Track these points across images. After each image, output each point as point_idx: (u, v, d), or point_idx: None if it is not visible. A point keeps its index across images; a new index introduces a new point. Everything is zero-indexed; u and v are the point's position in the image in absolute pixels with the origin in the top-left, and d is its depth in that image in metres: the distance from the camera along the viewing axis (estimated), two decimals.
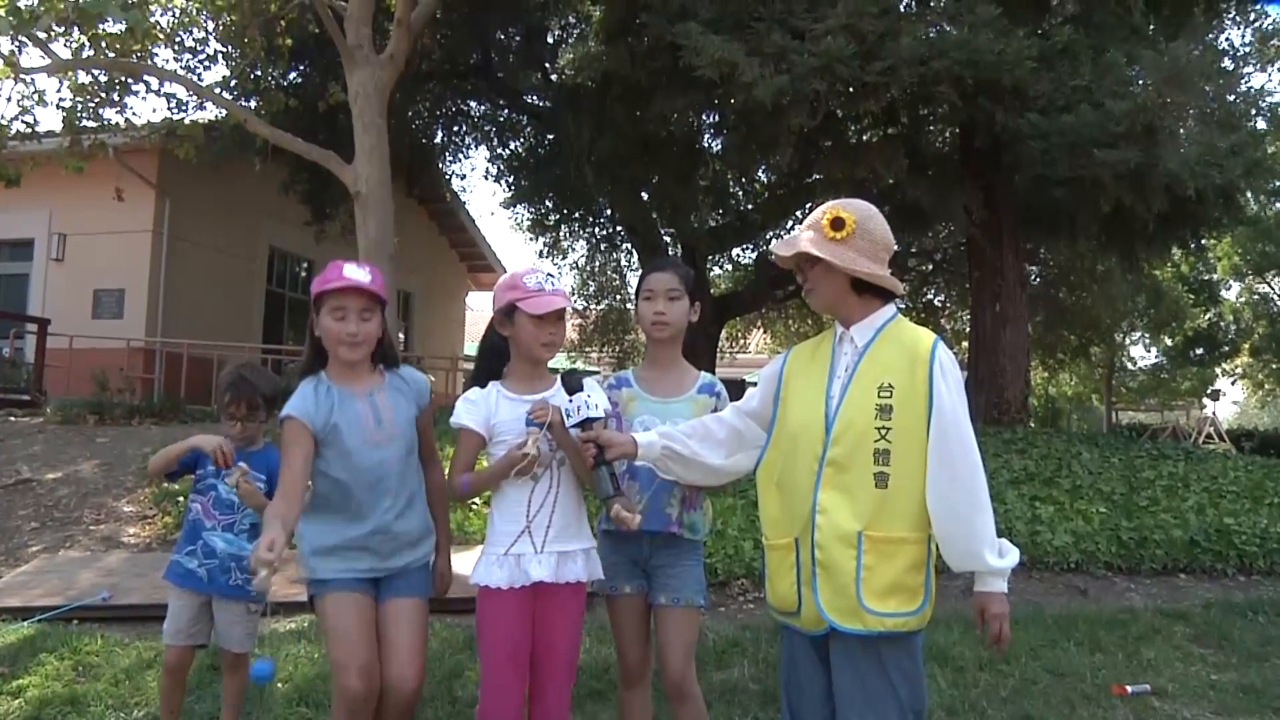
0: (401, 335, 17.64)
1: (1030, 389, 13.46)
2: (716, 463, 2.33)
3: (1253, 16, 13.05)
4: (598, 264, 17.29)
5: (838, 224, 2.09)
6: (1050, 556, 5.60)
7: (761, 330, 20.38)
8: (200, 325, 12.60)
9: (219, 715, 3.06)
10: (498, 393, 2.42)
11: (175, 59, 11.11)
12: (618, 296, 17.51)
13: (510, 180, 14.90)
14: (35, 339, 11.80)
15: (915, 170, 10.30)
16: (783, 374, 2.24)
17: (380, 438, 2.42)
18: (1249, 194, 10.52)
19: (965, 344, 13.23)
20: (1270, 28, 14.38)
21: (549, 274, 2.45)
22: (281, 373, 9.41)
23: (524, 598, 2.33)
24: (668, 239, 14.00)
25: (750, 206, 14.25)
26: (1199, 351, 25.93)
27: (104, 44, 9.28)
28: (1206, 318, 25.74)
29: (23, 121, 9.70)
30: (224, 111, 9.99)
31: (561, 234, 16.37)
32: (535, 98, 13.67)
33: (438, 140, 14.78)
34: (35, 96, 9.92)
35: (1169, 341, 25.50)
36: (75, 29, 9.06)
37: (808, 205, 11.89)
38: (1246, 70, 12.66)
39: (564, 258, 17.30)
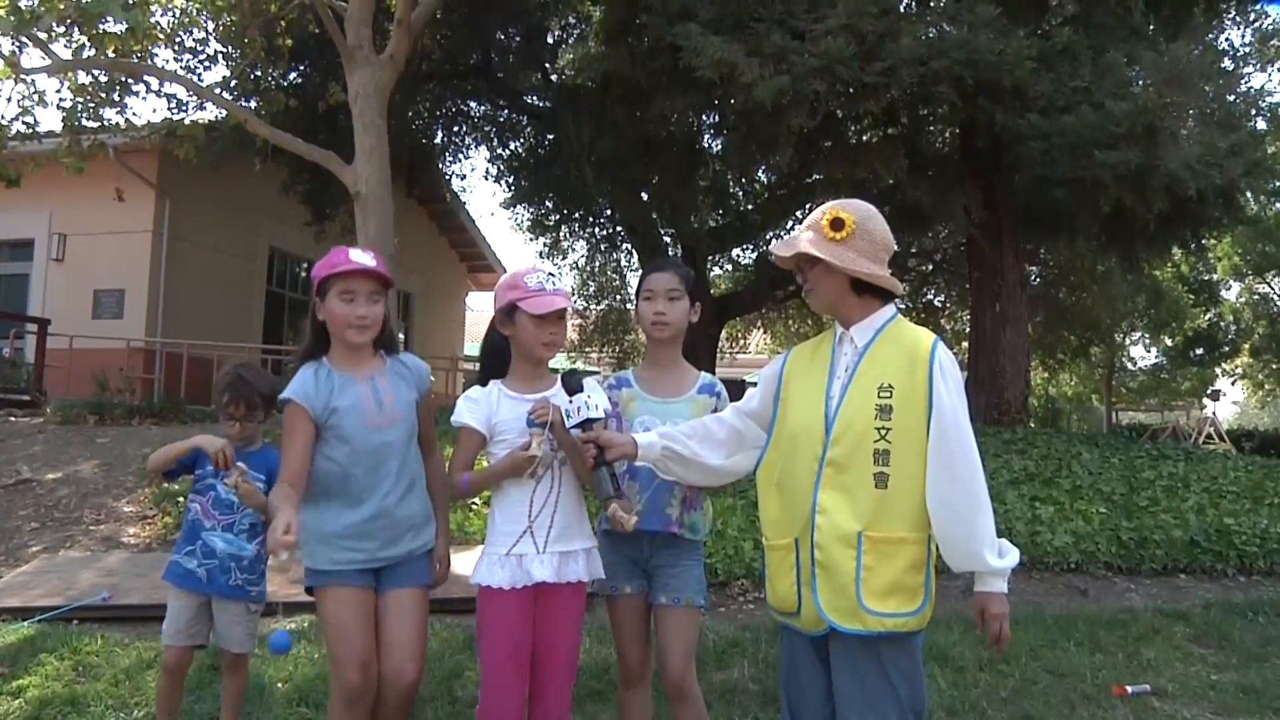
0: (401, 335, 17.63)
1: (1030, 389, 13.47)
2: (716, 463, 2.33)
3: (1253, 17, 13.07)
4: (598, 264, 17.30)
5: (837, 224, 2.09)
6: (1050, 557, 5.60)
7: (761, 330, 20.39)
8: (200, 325, 12.61)
9: (219, 715, 3.06)
10: (499, 392, 2.43)
11: (175, 59, 11.13)
12: (618, 297, 17.52)
13: (510, 180, 14.91)
14: (35, 339, 11.80)
15: (915, 170, 10.31)
16: (783, 374, 2.25)
17: (381, 421, 2.42)
18: (1249, 194, 10.53)
19: (965, 344, 13.24)
20: (1270, 28, 14.41)
21: (550, 273, 2.45)
22: (281, 373, 9.41)
23: (525, 598, 2.33)
24: (668, 239, 14.01)
25: (750, 207, 14.25)
26: (1199, 352, 25.93)
27: (104, 44, 9.28)
28: (1206, 318, 25.75)
29: (23, 122, 9.72)
30: (224, 112, 9.99)
31: (561, 234, 16.38)
32: (535, 98, 13.67)
33: (438, 140, 14.79)
34: (35, 97, 9.93)
35: (1169, 342, 25.51)
36: (76, 29, 9.07)
37: (808, 206, 11.90)
38: (1246, 70, 12.68)
39: (564, 258, 17.34)
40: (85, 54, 9.53)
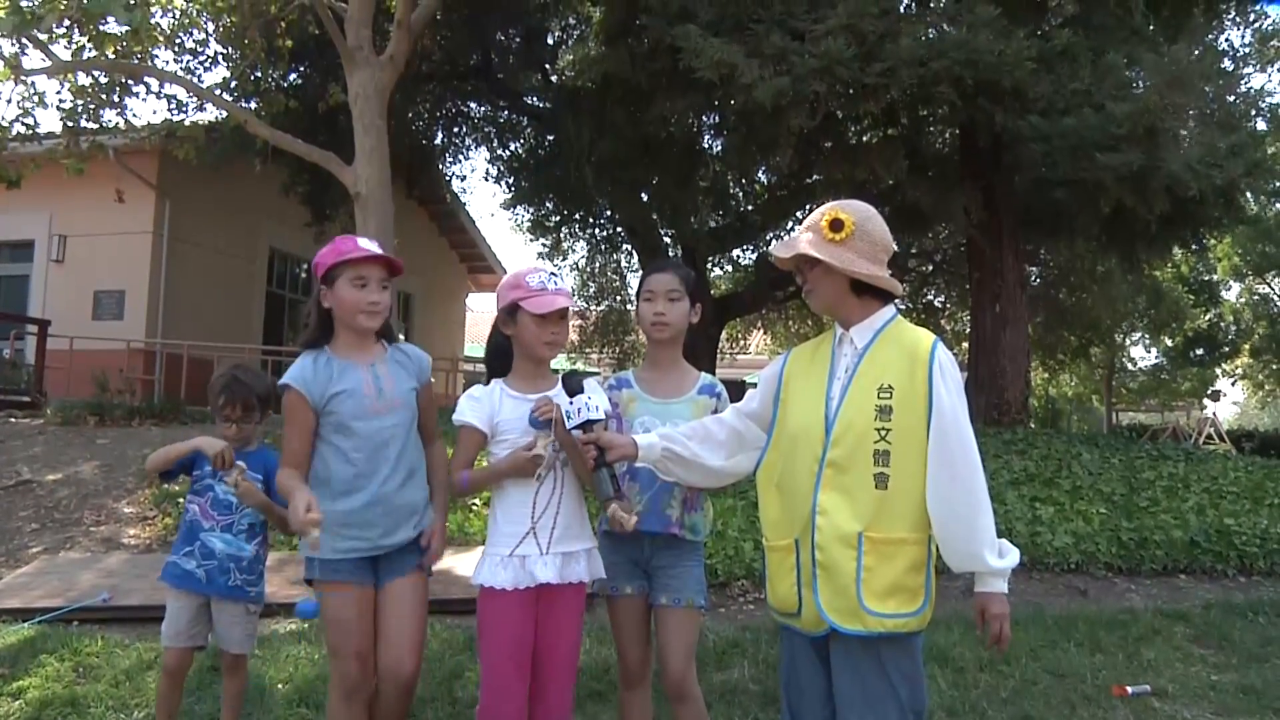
0: (402, 336, 17.56)
1: (1030, 390, 13.46)
2: (717, 464, 2.33)
3: (1252, 17, 13.08)
4: (598, 265, 17.31)
5: (836, 225, 2.09)
6: (1050, 557, 5.60)
7: (761, 331, 20.40)
8: (200, 326, 12.62)
9: (219, 716, 3.06)
10: (501, 391, 2.44)
11: (175, 60, 11.15)
12: (618, 298, 17.53)
13: (510, 181, 14.92)
14: (35, 340, 11.81)
15: (915, 171, 10.32)
16: (783, 375, 2.25)
17: (380, 407, 2.44)
18: (1249, 194, 10.52)
19: (965, 345, 13.24)
20: (1270, 28, 14.43)
21: (552, 273, 2.47)
22: (281, 374, 9.42)
23: (527, 598, 2.33)
24: (668, 240, 14.02)
25: (750, 208, 14.26)
26: (1199, 352, 25.93)
27: (105, 45, 9.29)
28: (1206, 318, 25.76)
29: (23, 123, 9.71)
30: (224, 113, 10.00)
31: (562, 235, 16.38)
32: (535, 99, 13.68)
33: (438, 141, 14.79)
34: (35, 98, 9.93)
35: (1169, 342, 25.52)
36: (77, 29, 9.07)
37: (808, 206, 11.91)
38: (1246, 71, 12.71)
39: (564, 259, 17.34)
40: (86, 55, 9.53)
